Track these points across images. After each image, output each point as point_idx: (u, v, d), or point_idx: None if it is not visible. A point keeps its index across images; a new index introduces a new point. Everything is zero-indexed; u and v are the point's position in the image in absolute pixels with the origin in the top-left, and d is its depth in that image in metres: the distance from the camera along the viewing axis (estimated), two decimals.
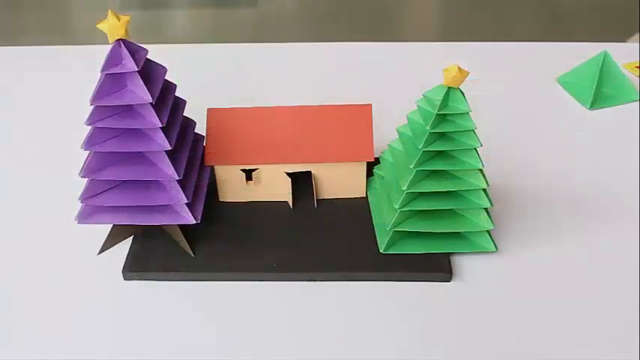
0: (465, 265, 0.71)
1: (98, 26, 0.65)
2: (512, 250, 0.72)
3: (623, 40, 0.75)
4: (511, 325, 0.66)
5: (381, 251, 0.71)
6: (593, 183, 0.77)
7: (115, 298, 0.69)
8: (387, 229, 0.71)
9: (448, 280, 0.70)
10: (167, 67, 0.69)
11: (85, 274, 0.72)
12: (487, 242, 0.72)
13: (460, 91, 0.68)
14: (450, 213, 0.72)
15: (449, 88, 0.68)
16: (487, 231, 0.71)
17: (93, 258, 0.73)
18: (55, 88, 0.98)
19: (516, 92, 0.87)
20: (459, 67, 0.68)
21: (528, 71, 0.90)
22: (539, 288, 0.69)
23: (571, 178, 0.78)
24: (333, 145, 0.71)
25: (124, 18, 0.65)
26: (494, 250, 0.72)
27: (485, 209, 0.71)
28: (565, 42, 0.88)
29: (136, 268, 0.70)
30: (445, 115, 0.68)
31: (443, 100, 0.68)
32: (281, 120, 0.71)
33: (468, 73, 0.68)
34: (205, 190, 0.73)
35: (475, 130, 0.69)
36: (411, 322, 0.67)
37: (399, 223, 0.71)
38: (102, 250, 0.73)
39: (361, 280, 0.70)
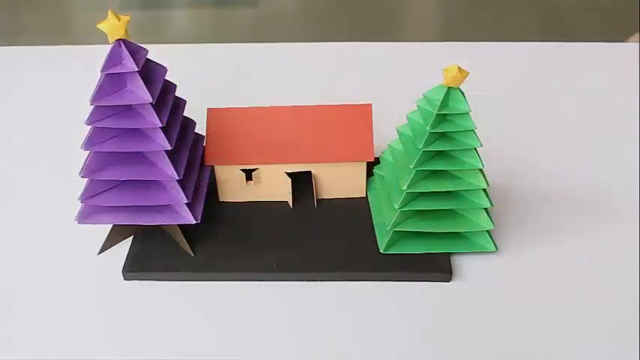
0: (465, 265, 0.71)
1: (98, 26, 0.64)
2: (512, 250, 0.72)
3: (623, 40, 0.75)
4: (511, 325, 0.66)
5: (381, 251, 0.71)
6: (593, 183, 0.77)
7: (115, 298, 0.69)
8: (387, 229, 0.71)
9: (448, 280, 0.70)
10: (167, 67, 0.69)
11: (85, 274, 0.72)
12: (487, 242, 0.72)
13: (460, 91, 0.68)
14: (450, 213, 0.72)
15: (449, 88, 0.68)
16: (487, 231, 0.71)
17: (93, 258, 0.73)
18: (55, 88, 0.98)
19: (516, 92, 0.87)
20: (458, 67, 0.68)
21: (528, 71, 0.90)
22: (539, 288, 0.69)
23: (571, 178, 0.78)
24: (333, 145, 0.71)
25: (124, 18, 0.65)
26: (495, 250, 0.72)
27: (486, 209, 0.71)
28: (565, 42, 0.88)
29: (135, 268, 0.70)
30: (445, 115, 0.68)
31: (443, 100, 0.68)
32: (281, 120, 0.71)
33: (467, 73, 0.68)
34: (205, 190, 0.73)
35: (475, 130, 0.69)
36: (411, 322, 0.67)
37: (399, 223, 0.71)
38: (102, 250, 0.73)
39: (361, 280, 0.70)
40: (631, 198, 0.76)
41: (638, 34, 0.67)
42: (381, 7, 0.75)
